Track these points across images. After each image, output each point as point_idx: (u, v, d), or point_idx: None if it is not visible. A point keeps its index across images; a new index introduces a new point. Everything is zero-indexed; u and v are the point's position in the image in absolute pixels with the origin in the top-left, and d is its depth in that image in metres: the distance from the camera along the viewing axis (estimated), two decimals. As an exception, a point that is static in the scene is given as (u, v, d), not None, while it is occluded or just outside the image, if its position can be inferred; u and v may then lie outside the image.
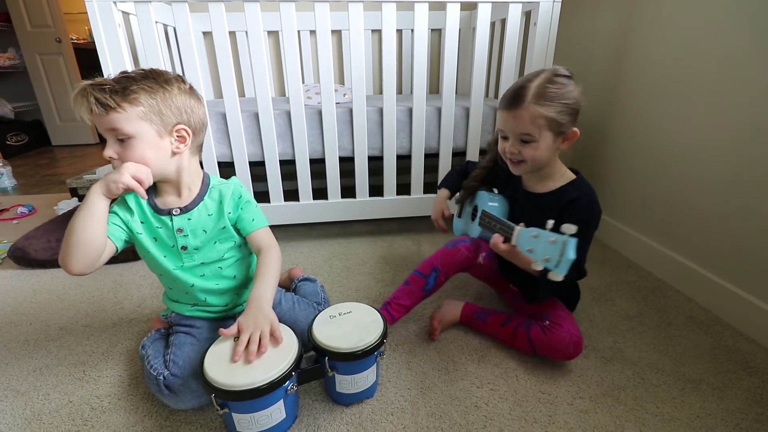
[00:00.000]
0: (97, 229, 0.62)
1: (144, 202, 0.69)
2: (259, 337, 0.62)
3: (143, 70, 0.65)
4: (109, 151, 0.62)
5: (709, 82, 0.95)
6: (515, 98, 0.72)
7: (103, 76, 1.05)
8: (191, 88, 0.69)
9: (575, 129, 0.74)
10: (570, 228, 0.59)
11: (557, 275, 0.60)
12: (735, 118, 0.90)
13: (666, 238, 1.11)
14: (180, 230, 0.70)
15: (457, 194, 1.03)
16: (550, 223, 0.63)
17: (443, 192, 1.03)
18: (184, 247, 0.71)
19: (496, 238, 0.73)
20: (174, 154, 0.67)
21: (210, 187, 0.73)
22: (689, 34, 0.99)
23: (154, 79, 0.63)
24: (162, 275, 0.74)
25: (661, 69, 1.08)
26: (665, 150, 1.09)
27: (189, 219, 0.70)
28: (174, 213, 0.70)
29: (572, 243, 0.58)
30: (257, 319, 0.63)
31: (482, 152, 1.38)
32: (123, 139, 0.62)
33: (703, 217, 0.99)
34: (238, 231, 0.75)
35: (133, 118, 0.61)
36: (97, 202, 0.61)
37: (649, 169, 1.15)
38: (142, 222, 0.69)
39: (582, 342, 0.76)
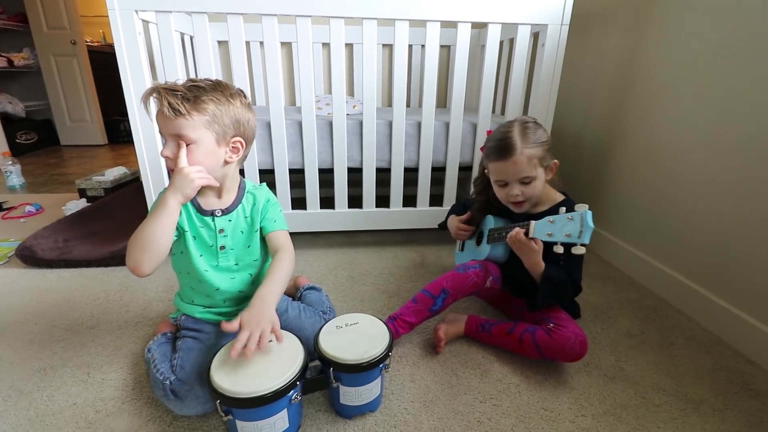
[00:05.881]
0: (172, 232, 0.67)
1: (189, 203, 0.72)
2: (259, 336, 0.61)
3: (211, 81, 0.69)
4: (167, 151, 0.66)
5: (715, 104, 0.97)
6: (507, 148, 0.82)
7: (120, 76, 1.09)
8: (249, 103, 0.73)
9: (555, 161, 0.86)
10: (582, 205, 0.69)
11: (580, 248, 0.68)
12: (741, 139, 0.91)
13: (667, 258, 1.12)
14: (221, 230, 0.74)
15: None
16: (563, 209, 0.72)
17: (453, 217, 1.10)
18: (223, 247, 0.75)
19: (518, 230, 0.79)
20: (226, 163, 0.71)
21: (246, 191, 0.78)
22: (696, 54, 1.02)
23: (221, 92, 0.68)
24: (189, 274, 0.76)
25: (668, 89, 1.10)
26: (670, 170, 1.10)
27: (230, 221, 0.75)
28: (216, 214, 0.73)
29: (589, 214, 0.67)
30: (260, 318, 0.63)
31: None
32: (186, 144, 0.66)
33: (706, 238, 1.00)
34: (261, 230, 0.78)
35: (198, 125, 0.65)
36: (175, 209, 0.66)
37: (653, 188, 1.16)
38: (187, 220, 0.73)
39: (587, 341, 0.78)
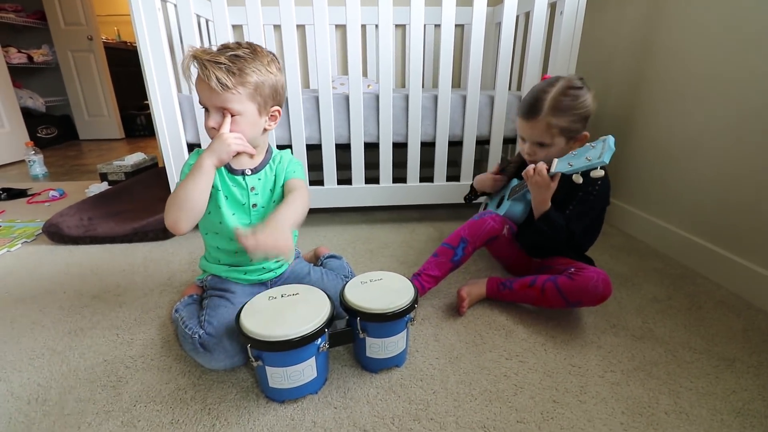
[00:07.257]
0: (208, 192, 0.70)
1: None
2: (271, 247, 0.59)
3: (247, 48, 0.68)
4: (212, 122, 0.68)
5: (738, 72, 0.94)
6: (532, 109, 0.82)
7: (139, 67, 1.10)
8: (280, 66, 0.74)
9: (585, 132, 0.84)
10: (603, 137, 0.70)
11: (599, 171, 0.69)
12: (762, 108, 0.89)
13: (693, 226, 1.09)
14: (253, 188, 0.76)
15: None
16: (586, 144, 0.74)
17: (483, 174, 1.08)
18: (254, 205, 0.77)
19: (542, 164, 0.79)
20: (265, 130, 0.74)
21: (273, 153, 0.80)
22: (715, 27, 0.99)
23: (260, 61, 0.68)
24: (218, 234, 0.78)
25: (690, 58, 1.08)
26: (691, 139, 1.08)
27: (259, 179, 0.77)
28: (247, 173, 0.75)
29: (612, 138, 0.68)
30: (274, 230, 0.61)
31: (506, 141, 1.39)
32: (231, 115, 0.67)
33: (732, 202, 0.97)
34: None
35: (243, 98, 0.67)
36: (211, 171, 0.69)
37: (675, 158, 1.14)
38: (220, 181, 0.75)
39: (610, 281, 0.77)
